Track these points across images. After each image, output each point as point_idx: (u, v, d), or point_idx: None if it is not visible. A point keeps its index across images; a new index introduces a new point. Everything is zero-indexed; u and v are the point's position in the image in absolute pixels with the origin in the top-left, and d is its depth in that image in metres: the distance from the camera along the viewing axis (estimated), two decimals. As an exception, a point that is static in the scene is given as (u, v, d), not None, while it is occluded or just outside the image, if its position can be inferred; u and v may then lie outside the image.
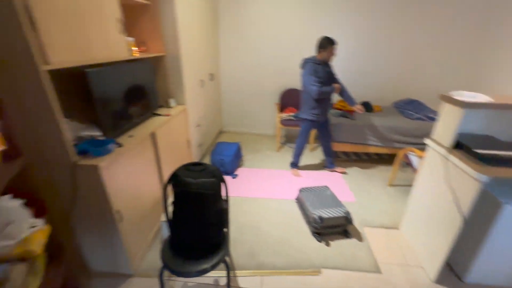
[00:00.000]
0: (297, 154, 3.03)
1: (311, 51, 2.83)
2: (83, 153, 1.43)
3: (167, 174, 2.17)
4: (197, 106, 2.97)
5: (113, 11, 1.62)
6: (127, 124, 1.83)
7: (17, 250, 0.97)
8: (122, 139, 1.69)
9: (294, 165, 3.10)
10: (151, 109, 2.18)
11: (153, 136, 1.94)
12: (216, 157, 2.94)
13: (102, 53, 1.52)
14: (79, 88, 1.49)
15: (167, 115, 2.22)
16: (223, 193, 1.46)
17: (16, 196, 1.06)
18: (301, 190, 2.46)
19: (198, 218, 1.37)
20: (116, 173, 1.51)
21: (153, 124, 2.03)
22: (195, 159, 3.01)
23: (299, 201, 2.49)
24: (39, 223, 1.11)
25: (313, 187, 2.49)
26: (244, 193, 2.66)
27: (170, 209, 1.42)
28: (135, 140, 1.71)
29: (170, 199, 1.43)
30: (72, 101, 1.60)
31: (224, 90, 4.06)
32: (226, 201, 1.51)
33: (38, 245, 1.04)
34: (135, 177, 1.71)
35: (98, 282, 1.71)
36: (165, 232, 1.75)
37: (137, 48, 2.07)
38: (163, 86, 2.48)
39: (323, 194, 2.35)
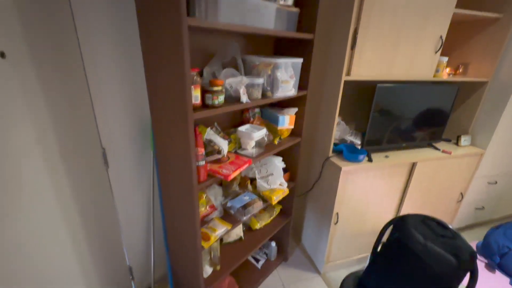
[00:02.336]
0: None
1: None
2: (338, 151, 1.64)
3: (405, 212, 1.84)
4: (501, 157, 2.03)
5: (438, 29, 1.49)
6: (390, 144, 1.75)
7: (265, 193, 1.43)
8: (376, 156, 1.66)
9: None
10: (429, 139, 1.86)
11: (412, 167, 1.69)
12: (496, 239, 1.92)
13: (402, 71, 1.52)
14: (365, 97, 1.64)
15: (447, 152, 1.78)
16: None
17: (283, 160, 1.51)
18: None
19: (400, 282, 1.07)
20: (353, 182, 1.57)
21: (420, 154, 1.75)
22: (458, 220, 2.21)
23: None
24: (285, 185, 1.51)
25: None
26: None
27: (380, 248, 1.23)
28: (388, 162, 1.61)
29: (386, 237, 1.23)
30: (354, 107, 1.82)
31: None
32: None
33: (276, 197, 1.44)
34: (368, 195, 1.66)
35: (297, 256, 2.02)
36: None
37: (448, 69, 1.79)
38: (460, 117, 1.97)
39: None
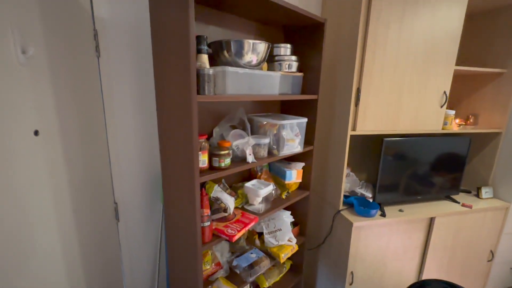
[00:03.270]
0: None
1: None
2: (349, 204, 1.59)
3: (429, 272, 1.68)
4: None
5: (440, 85, 1.54)
6: (404, 197, 1.68)
7: (273, 249, 1.38)
8: (389, 210, 1.60)
9: None
10: (446, 191, 1.78)
11: (430, 222, 1.60)
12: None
13: (409, 125, 1.53)
14: (373, 149, 1.64)
15: (467, 206, 1.68)
16: None
17: (292, 214, 1.49)
18: None
19: None
20: (367, 238, 1.49)
21: (437, 207, 1.66)
22: (492, 282, 1.96)
23: None
24: (294, 240, 1.46)
25: None
26: None
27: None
28: (404, 216, 1.53)
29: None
30: (363, 158, 1.82)
31: None
32: None
33: (285, 254, 1.38)
34: (385, 252, 1.55)
35: (312, 316, 1.84)
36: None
37: (458, 121, 1.78)
38: (478, 168, 1.89)
39: None
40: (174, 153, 1.02)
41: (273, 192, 1.34)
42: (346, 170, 1.51)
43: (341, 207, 1.57)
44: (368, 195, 1.64)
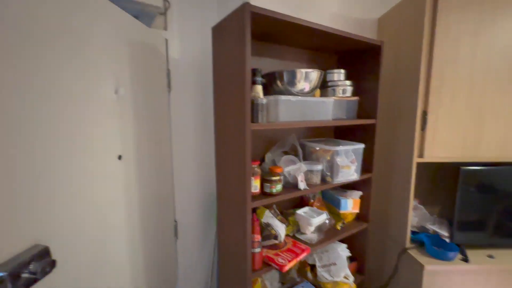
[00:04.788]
0: None
1: None
2: (418, 242, 1.38)
3: None
4: None
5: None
6: (494, 239, 1.37)
7: (327, 285, 1.27)
8: (474, 254, 1.32)
9: None
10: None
11: (536, 275, 1.25)
12: None
13: (494, 152, 1.29)
14: (448, 178, 1.42)
15: None
16: None
17: (348, 247, 1.36)
18: None
19: None
20: (444, 286, 1.24)
21: (546, 258, 1.30)
22: None
23: None
24: (351, 278, 1.32)
25: None
26: None
27: None
28: (495, 264, 1.25)
29: None
30: (434, 188, 1.58)
31: None
32: None
33: (341, 293, 1.25)
34: (469, 309, 1.26)
35: None
36: None
37: None
38: None
39: None
40: (228, 177, 1.07)
41: (327, 221, 1.26)
42: (413, 202, 1.33)
43: (408, 244, 1.36)
44: (443, 233, 1.39)
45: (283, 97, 0.98)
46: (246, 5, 0.83)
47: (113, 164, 0.91)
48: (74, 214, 0.76)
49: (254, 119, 0.92)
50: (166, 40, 1.24)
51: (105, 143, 0.88)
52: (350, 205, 1.33)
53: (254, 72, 0.98)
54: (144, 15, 1.07)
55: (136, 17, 1.07)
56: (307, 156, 1.27)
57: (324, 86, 1.25)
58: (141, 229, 1.18)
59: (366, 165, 1.32)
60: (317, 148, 1.23)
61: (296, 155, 1.24)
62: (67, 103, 0.73)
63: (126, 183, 0.99)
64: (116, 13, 0.91)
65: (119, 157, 0.93)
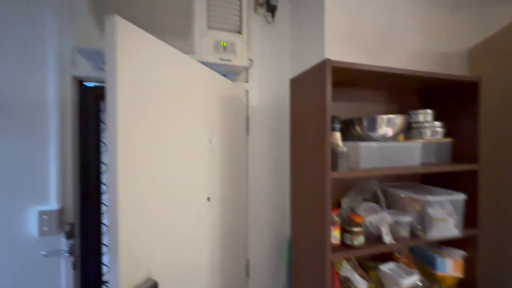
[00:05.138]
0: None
1: None
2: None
3: None
4: None
5: None
6: None
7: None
8: None
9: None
10: None
11: None
12: None
13: None
14: None
15: None
16: None
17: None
18: None
19: None
20: None
21: None
22: None
23: None
24: None
25: None
26: None
27: None
28: None
29: None
30: None
31: None
32: None
33: None
34: None
35: None
36: None
37: None
38: None
39: None
40: (304, 224, 1.06)
41: (420, 283, 1.07)
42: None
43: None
44: None
45: (363, 144, 0.95)
46: (327, 61, 0.88)
47: (203, 204, 1.03)
48: (174, 249, 0.87)
49: (334, 167, 0.91)
50: (247, 91, 1.40)
51: (198, 186, 1.01)
52: (450, 266, 1.11)
53: (333, 119, 0.99)
54: (231, 73, 1.25)
55: (225, 75, 1.26)
56: (390, 204, 1.16)
57: (409, 128, 1.16)
58: (219, 265, 1.25)
59: (469, 219, 1.11)
60: (404, 196, 1.11)
61: (378, 202, 1.15)
62: (172, 152, 0.88)
63: (211, 221, 1.09)
64: (211, 75, 1.10)
65: (208, 199, 1.04)
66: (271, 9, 1.38)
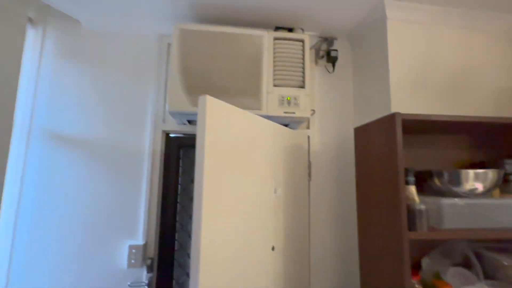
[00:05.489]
0: None
1: None
2: None
3: None
4: None
5: None
6: None
7: None
8: None
9: None
10: None
11: None
12: None
13: None
14: None
15: None
16: None
17: None
18: None
19: None
20: None
21: None
22: None
23: None
24: None
25: None
26: None
27: None
28: None
29: None
30: None
31: None
32: None
33: None
34: None
35: None
36: None
37: None
38: None
39: None
40: (377, 286, 0.96)
41: None
42: None
43: None
44: None
45: (446, 201, 0.85)
46: (396, 114, 0.86)
47: (268, 254, 1.04)
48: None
49: (411, 226, 0.83)
50: (309, 137, 1.44)
51: (263, 235, 1.04)
52: None
53: (406, 171, 0.93)
54: (294, 122, 1.32)
55: (287, 124, 1.33)
56: (488, 272, 0.96)
57: (506, 180, 0.99)
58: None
59: None
60: (505, 264, 0.92)
61: (469, 267, 0.97)
62: (243, 202, 0.95)
63: (275, 271, 1.09)
64: (275, 128, 1.18)
65: (273, 248, 1.06)
66: (332, 61, 1.46)
